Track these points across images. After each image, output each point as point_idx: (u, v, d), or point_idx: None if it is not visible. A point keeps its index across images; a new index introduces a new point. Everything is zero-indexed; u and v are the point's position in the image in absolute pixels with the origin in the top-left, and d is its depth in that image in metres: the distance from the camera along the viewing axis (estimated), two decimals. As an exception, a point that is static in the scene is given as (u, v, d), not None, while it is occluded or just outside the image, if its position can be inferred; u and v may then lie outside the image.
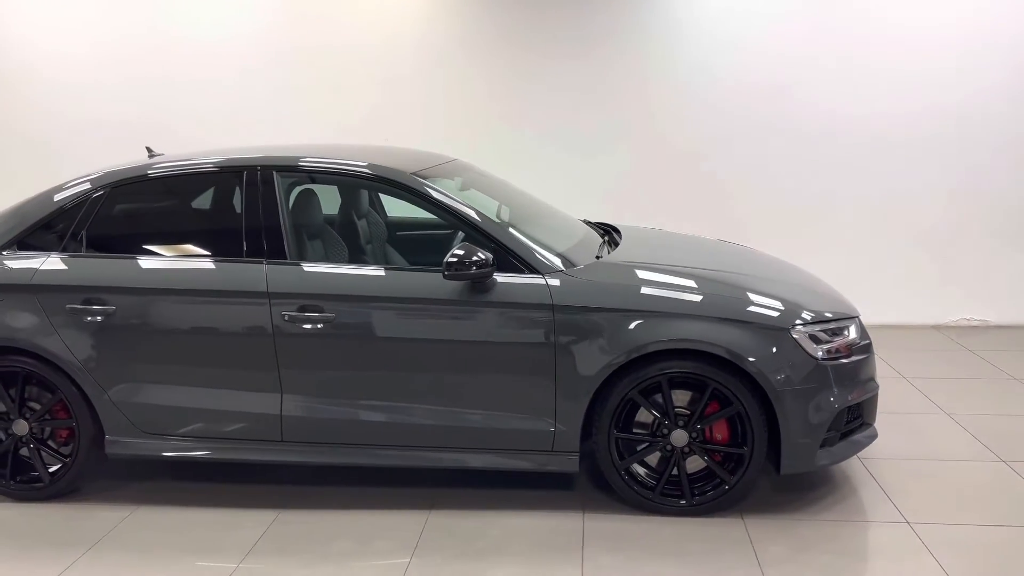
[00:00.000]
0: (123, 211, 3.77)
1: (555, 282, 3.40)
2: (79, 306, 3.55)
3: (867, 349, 3.55)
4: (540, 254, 3.49)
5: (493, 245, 3.44)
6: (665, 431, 3.41)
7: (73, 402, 3.62)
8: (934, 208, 6.19)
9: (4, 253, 3.68)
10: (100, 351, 3.55)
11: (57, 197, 3.74)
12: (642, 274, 3.52)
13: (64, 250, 3.66)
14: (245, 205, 3.60)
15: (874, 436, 3.63)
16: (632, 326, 3.32)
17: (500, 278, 3.40)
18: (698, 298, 3.41)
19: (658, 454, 3.46)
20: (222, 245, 3.62)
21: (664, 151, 6.33)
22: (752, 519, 3.41)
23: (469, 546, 3.27)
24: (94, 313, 3.54)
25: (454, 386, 3.45)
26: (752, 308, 3.40)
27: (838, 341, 3.43)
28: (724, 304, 3.40)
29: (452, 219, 3.55)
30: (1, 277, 3.61)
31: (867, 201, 6.24)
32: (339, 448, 3.56)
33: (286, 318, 3.44)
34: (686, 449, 3.42)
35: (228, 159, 3.73)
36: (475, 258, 3.31)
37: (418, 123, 6.43)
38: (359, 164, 3.67)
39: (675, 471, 3.44)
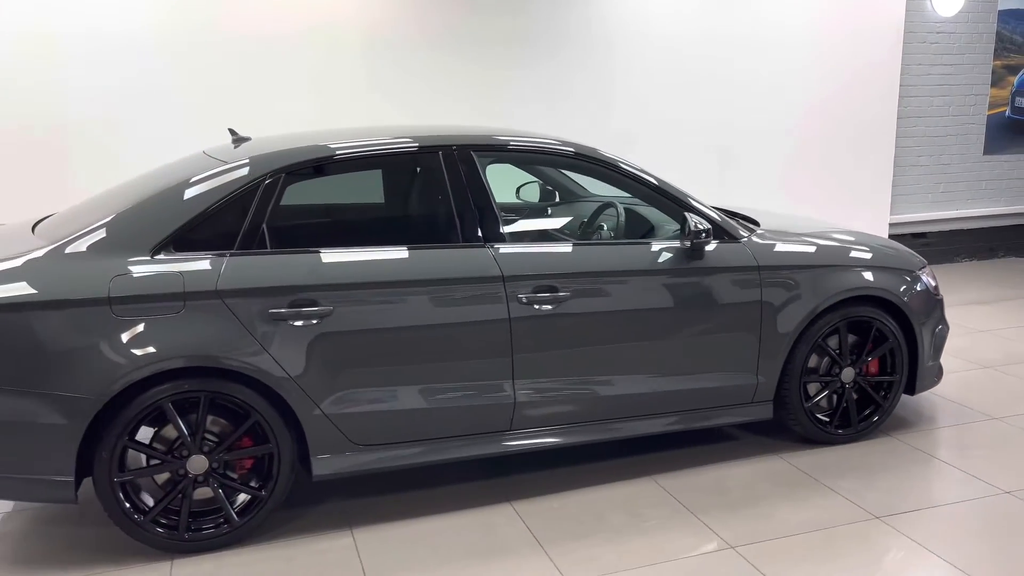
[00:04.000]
0: (303, 198, 3.30)
1: (753, 245, 3.70)
2: (285, 310, 3.05)
3: (938, 288, 4.36)
4: (734, 221, 3.77)
5: (688, 214, 3.62)
6: (836, 370, 3.89)
7: (272, 423, 3.10)
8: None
9: (162, 256, 3.01)
10: (314, 359, 3.09)
11: (210, 187, 3.14)
12: (809, 238, 3.94)
13: (241, 246, 3.10)
14: (452, 187, 3.36)
15: (938, 357, 4.46)
16: (826, 279, 3.75)
17: (709, 246, 3.62)
18: (865, 253, 3.94)
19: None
20: (431, 230, 3.36)
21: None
22: (900, 436, 4.04)
23: (726, 497, 3.46)
24: (306, 316, 3.07)
25: (678, 351, 3.59)
26: (894, 257, 4.02)
27: (933, 281, 4.18)
28: (882, 255, 3.98)
29: (649, 192, 3.66)
30: (171, 284, 2.95)
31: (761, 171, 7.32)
32: (569, 428, 3.50)
33: (523, 301, 3.31)
34: (851, 384, 3.93)
35: (416, 138, 3.42)
36: (707, 227, 3.51)
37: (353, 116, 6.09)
38: (556, 143, 3.62)
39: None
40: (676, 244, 3.57)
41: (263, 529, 3.22)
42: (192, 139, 5.44)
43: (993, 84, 8.17)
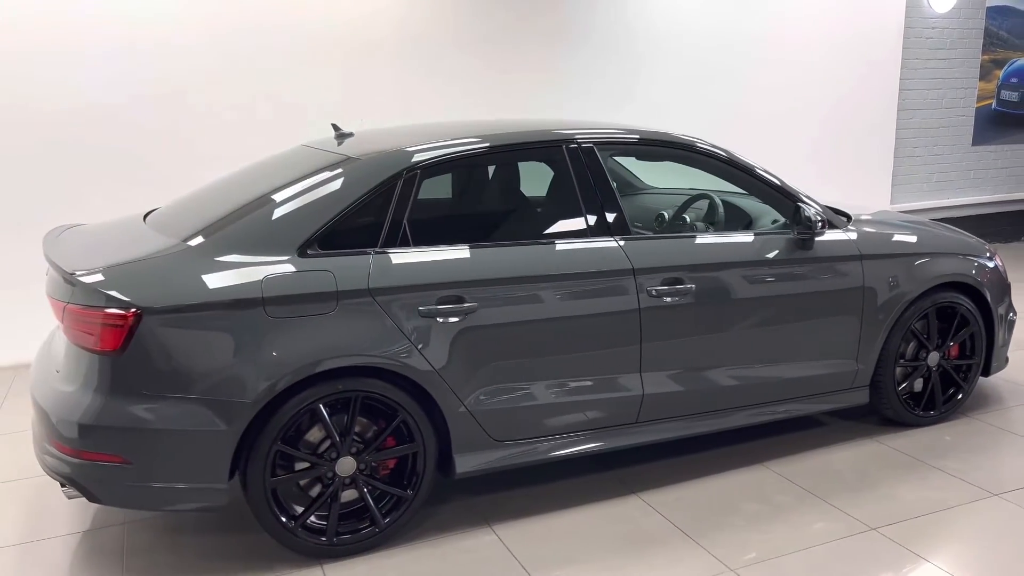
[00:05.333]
0: (437, 194, 3.26)
1: (854, 235, 3.80)
2: (434, 307, 3.01)
3: (996, 273, 4.54)
4: (833, 212, 3.86)
5: (796, 205, 3.69)
6: (923, 355, 4.03)
7: (419, 421, 3.06)
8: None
9: (309, 254, 2.93)
10: (460, 356, 3.06)
11: (350, 183, 3.07)
12: (899, 227, 4.06)
13: (385, 243, 3.04)
14: (577, 181, 3.36)
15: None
16: (921, 267, 3.88)
17: (820, 236, 3.70)
18: (948, 240, 4.09)
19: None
20: (561, 224, 3.35)
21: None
22: (978, 417, 4.20)
23: (844, 481, 3.55)
24: (453, 313, 3.04)
25: (792, 340, 3.66)
26: (970, 244, 4.18)
27: (1003, 266, 4.35)
28: (960, 243, 4.13)
29: (761, 185, 3.73)
30: (324, 283, 2.88)
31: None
32: (690, 419, 3.54)
33: (653, 293, 3.34)
34: (936, 367, 4.08)
35: (543, 132, 3.42)
36: (822, 218, 3.59)
37: (392, 109, 5.99)
38: (677, 137, 3.66)
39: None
40: (788, 234, 3.64)
41: (404, 530, 3.17)
42: (228, 139, 5.36)
43: (981, 78, 8.51)
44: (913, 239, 3.99)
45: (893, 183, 8.23)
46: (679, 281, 3.39)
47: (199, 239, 2.91)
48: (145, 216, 3.45)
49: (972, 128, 8.60)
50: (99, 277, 2.75)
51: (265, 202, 3.03)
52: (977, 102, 8.56)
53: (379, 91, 5.90)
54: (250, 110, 5.51)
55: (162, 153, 5.32)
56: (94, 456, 2.74)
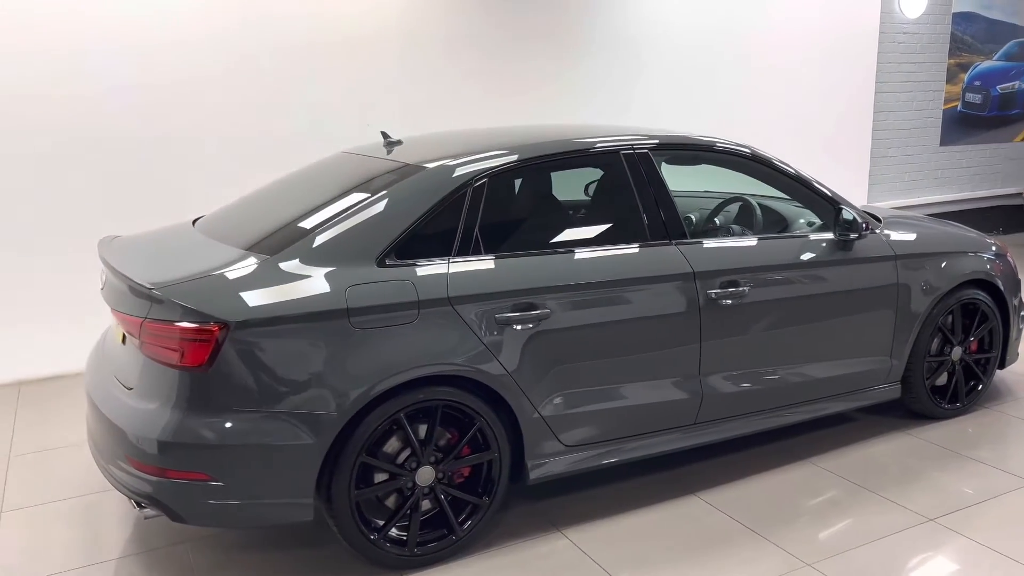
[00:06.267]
0: (503, 202, 3.26)
1: (887, 237, 3.94)
2: (510, 314, 3.02)
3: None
4: (867, 215, 3.99)
5: (835, 209, 3.81)
6: (948, 350, 4.19)
7: (495, 429, 3.07)
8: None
9: (388, 264, 2.91)
10: (534, 362, 3.07)
11: (422, 191, 3.05)
12: (925, 228, 4.21)
13: (459, 252, 3.04)
14: (636, 187, 3.41)
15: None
16: (949, 265, 4.04)
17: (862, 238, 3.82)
18: (968, 239, 4.25)
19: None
20: (622, 229, 3.39)
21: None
22: (997, 408, 4.38)
23: (889, 474, 3.67)
24: (529, 320, 3.05)
25: (837, 339, 3.77)
26: (984, 242, 4.35)
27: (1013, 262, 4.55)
28: (977, 241, 4.31)
29: (802, 189, 3.83)
30: (405, 293, 2.86)
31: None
32: (743, 419, 3.62)
33: (712, 296, 3.40)
34: (959, 361, 4.24)
35: (602, 139, 3.45)
36: (865, 221, 3.71)
37: (395, 109, 5.97)
38: (730, 143, 3.73)
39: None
40: (831, 236, 3.75)
41: (476, 538, 3.17)
42: (235, 139, 5.27)
43: (947, 81, 8.85)
44: (938, 239, 4.15)
45: (869, 182, 8.50)
46: (736, 283, 3.46)
47: (275, 250, 2.86)
48: (193, 222, 3.38)
49: (940, 129, 8.93)
50: (181, 290, 2.69)
51: (337, 212, 2.99)
52: (944, 104, 8.89)
53: (380, 94, 5.85)
54: (258, 109, 5.41)
55: (166, 155, 5.18)
56: (178, 474, 2.68)
